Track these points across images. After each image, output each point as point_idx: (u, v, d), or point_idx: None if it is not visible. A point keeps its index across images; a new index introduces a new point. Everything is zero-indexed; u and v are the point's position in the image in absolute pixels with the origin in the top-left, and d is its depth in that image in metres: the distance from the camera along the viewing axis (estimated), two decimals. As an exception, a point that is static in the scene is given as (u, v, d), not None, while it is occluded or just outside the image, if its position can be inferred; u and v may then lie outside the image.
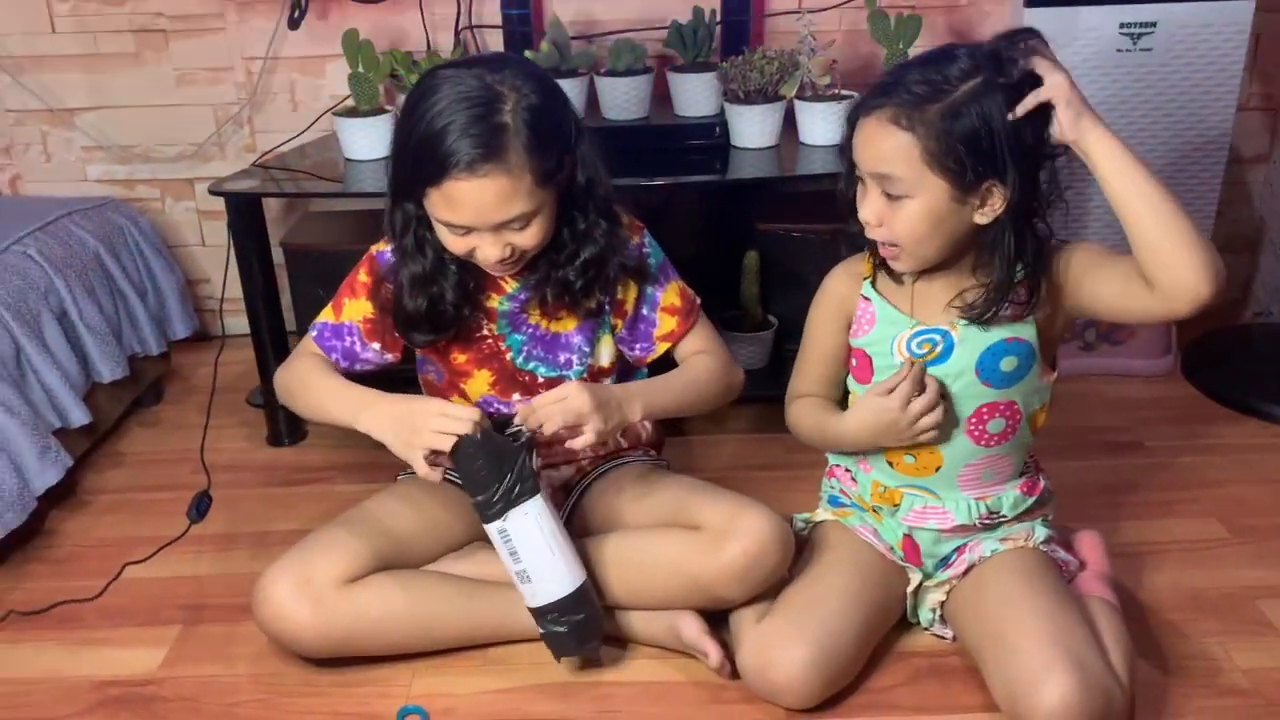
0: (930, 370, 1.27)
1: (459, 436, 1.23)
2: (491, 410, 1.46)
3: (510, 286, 1.39)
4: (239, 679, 1.36)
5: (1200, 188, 1.99)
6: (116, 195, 2.21)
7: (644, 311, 1.44)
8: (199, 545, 1.63)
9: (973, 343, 1.25)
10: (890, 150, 1.15)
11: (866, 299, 1.32)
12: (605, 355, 1.46)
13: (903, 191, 1.16)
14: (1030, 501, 1.35)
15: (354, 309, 1.42)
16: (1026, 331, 1.25)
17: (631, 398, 1.34)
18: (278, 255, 1.90)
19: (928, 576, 1.34)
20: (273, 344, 1.87)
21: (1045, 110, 1.15)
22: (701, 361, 1.44)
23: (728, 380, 1.45)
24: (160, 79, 2.19)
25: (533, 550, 1.25)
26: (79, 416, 1.74)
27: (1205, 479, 1.71)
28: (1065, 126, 1.15)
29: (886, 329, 1.30)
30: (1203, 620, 1.40)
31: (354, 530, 1.35)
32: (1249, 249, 2.30)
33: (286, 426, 1.93)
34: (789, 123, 1.90)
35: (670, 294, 1.44)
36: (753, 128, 1.87)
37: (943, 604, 1.33)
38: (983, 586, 1.27)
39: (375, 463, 1.80)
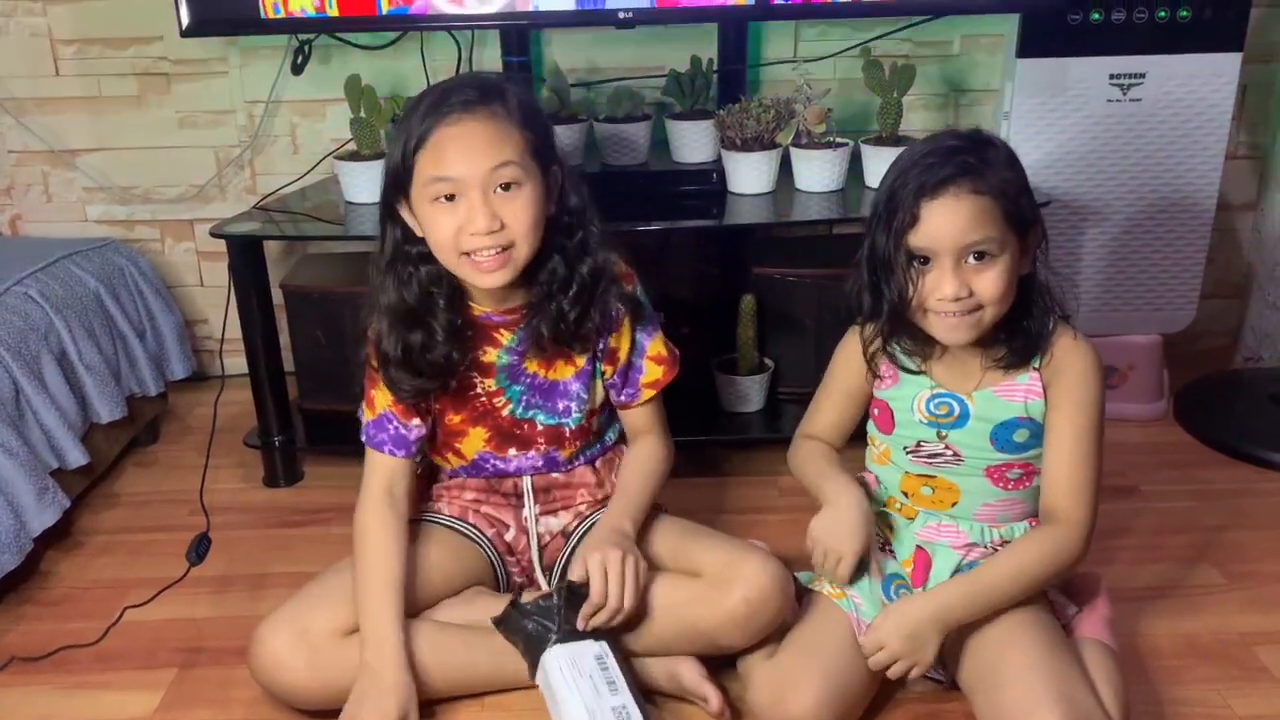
0: (947, 434, 1.31)
1: (499, 615, 1.33)
2: (488, 468, 1.47)
3: (506, 338, 1.40)
4: (235, 724, 1.35)
5: (1190, 235, 2.02)
6: (116, 236, 2.22)
7: (634, 359, 1.45)
8: (195, 588, 1.62)
9: (987, 416, 1.29)
10: (982, 216, 1.20)
11: (890, 356, 1.34)
12: (597, 397, 1.47)
13: (993, 251, 1.21)
14: None
15: (381, 397, 1.41)
16: (1038, 411, 1.28)
17: (631, 528, 1.36)
18: (277, 296, 1.91)
19: None
20: (270, 384, 1.88)
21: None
22: (653, 451, 1.46)
23: (670, 461, 1.48)
24: (162, 121, 2.21)
25: (550, 707, 1.27)
26: (77, 457, 1.74)
27: (1200, 524, 1.72)
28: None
29: (908, 387, 1.33)
30: (1199, 666, 1.40)
31: (351, 580, 1.34)
32: (1238, 295, 2.33)
33: (283, 468, 1.94)
34: (785, 169, 1.93)
35: (657, 344, 1.46)
36: (749, 174, 1.89)
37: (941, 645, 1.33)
38: (980, 626, 1.28)
39: None
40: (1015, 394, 1.28)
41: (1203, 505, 1.78)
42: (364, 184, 1.92)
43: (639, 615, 1.31)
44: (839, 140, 1.90)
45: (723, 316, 1.95)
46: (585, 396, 1.45)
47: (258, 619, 1.32)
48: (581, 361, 1.43)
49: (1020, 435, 1.29)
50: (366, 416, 1.42)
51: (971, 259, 1.21)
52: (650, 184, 1.94)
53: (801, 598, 1.37)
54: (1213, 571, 1.60)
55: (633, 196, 1.87)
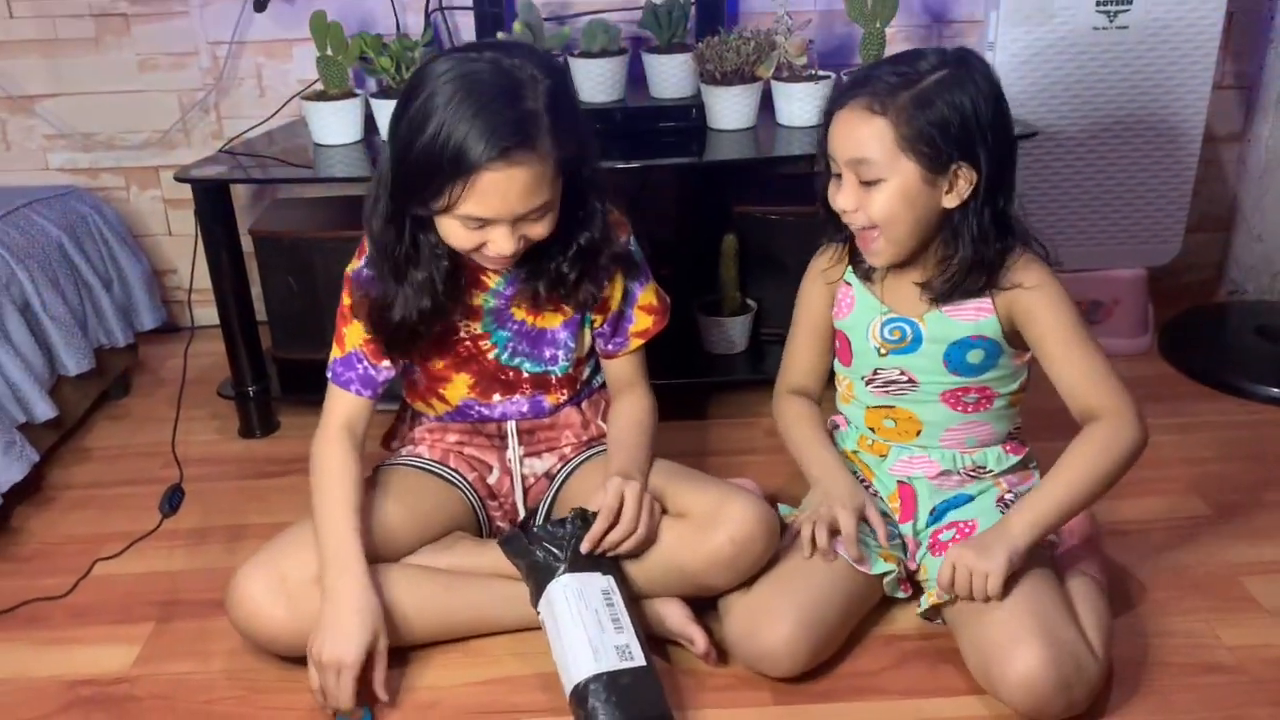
0: (899, 359, 1.33)
1: (508, 535, 1.32)
2: (473, 414, 1.44)
3: (494, 282, 1.36)
4: (214, 676, 1.33)
5: (1176, 166, 2.00)
6: (81, 184, 2.16)
7: (625, 308, 1.43)
8: (171, 540, 1.60)
9: (940, 336, 1.30)
10: (866, 136, 1.20)
11: (848, 284, 1.38)
12: (585, 345, 1.44)
13: (877, 175, 1.21)
14: (1015, 460, 1.37)
15: (352, 335, 1.37)
16: (989, 328, 1.29)
17: (641, 476, 1.33)
18: (246, 244, 1.86)
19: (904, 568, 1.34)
20: (243, 333, 1.83)
21: (1004, 100, 1.22)
22: (642, 404, 1.44)
23: (656, 414, 1.45)
24: (122, 65, 2.14)
25: (551, 636, 1.24)
26: (44, 410, 1.70)
27: (1186, 456, 1.71)
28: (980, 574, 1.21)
29: (863, 314, 1.35)
30: (1187, 598, 1.40)
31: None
32: (1223, 227, 2.31)
33: (259, 418, 1.90)
34: (766, 104, 1.89)
35: (648, 293, 1.44)
36: (729, 109, 1.85)
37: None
38: None
39: None
40: (965, 313, 1.29)
41: (1189, 438, 1.77)
42: (333, 125, 1.87)
43: (642, 549, 1.29)
44: (821, 73, 1.86)
45: (704, 257, 1.92)
46: (573, 345, 1.42)
47: (235, 570, 1.29)
48: (570, 310, 1.40)
49: (974, 355, 1.30)
50: (335, 353, 1.39)
51: (863, 170, 1.22)
52: (628, 121, 1.89)
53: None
54: (1200, 503, 1.59)
55: (610, 134, 1.82)
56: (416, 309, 1.30)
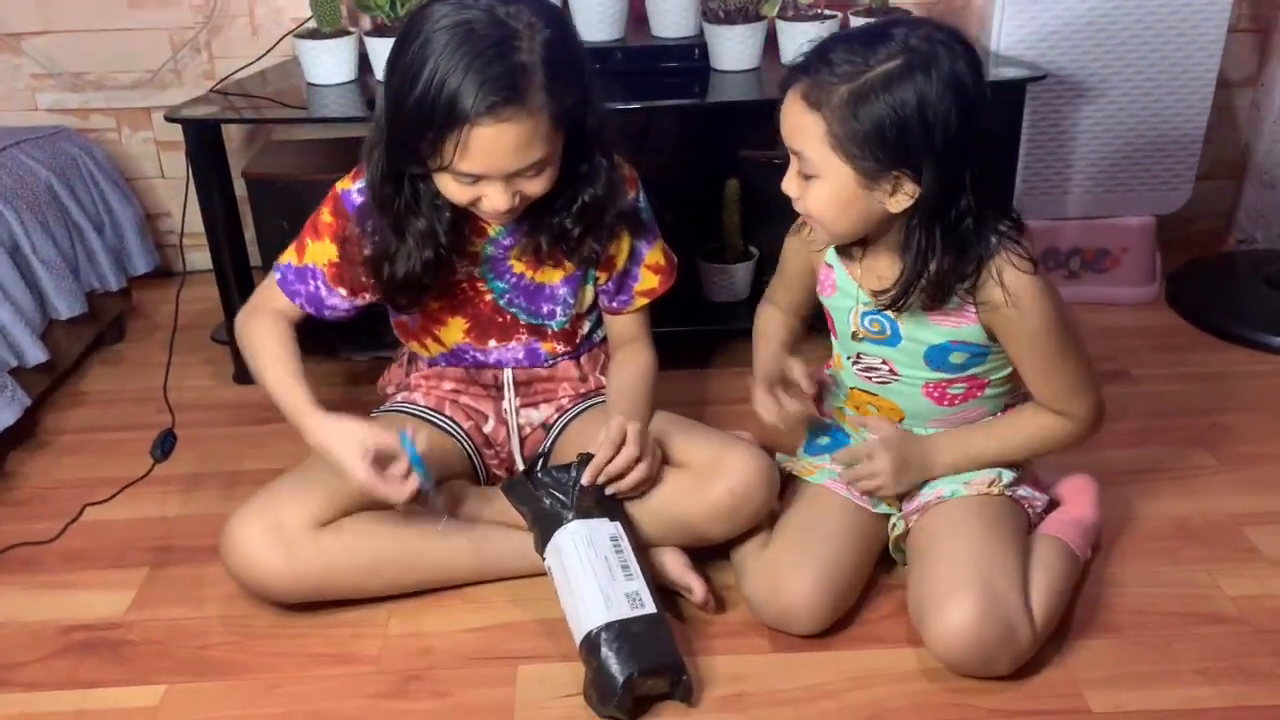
0: (879, 349, 1.27)
1: (512, 480, 1.29)
2: (468, 358, 1.42)
3: (493, 230, 1.33)
4: (209, 621, 1.32)
5: (1189, 111, 1.95)
6: (71, 125, 2.12)
7: (630, 266, 1.40)
8: (165, 486, 1.58)
9: (918, 337, 1.23)
10: (800, 128, 1.11)
11: (829, 265, 1.30)
12: (585, 301, 1.42)
13: (812, 171, 1.12)
14: None
15: (317, 251, 1.34)
16: (971, 335, 1.22)
17: (642, 421, 1.31)
18: (239, 187, 1.82)
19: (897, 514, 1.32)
20: (236, 279, 1.81)
21: (972, 104, 1.08)
22: (643, 359, 1.42)
23: (657, 370, 1.43)
24: (111, 1, 2.09)
25: (559, 584, 1.22)
26: (36, 354, 1.68)
27: (1191, 407, 1.69)
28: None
29: (843, 299, 1.29)
30: (1190, 548, 1.38)
31: (326, 471, 1.28)
32: (1233, 175, 2.27)
33: (254, 363, 1.87)
34: (770, 45, 1.84)
35: (656, 252, 1.41)
36: (733, 49, 1.80)
37: (903, 539, 1.30)
38: (932, 520, 1.25)
39: (350, 399, 1.76)
40: (945, 320, 1.21)
41: (1194, 388, 1.75)
42: (326, 64, 1.82)
43: (644, 487, 1.27)
44: (827, 12, 1.81)
45: (706, 202, 1.88)
46: (572, 301, 1.40)
47: (230, 516, 1.28)
48: (572, 266, 1.37)
49: (956, 357, 1.24)
50: (290, 258, 1.36)
51: (801, 162, 1.13)
52: (628, 61, 1.84)
53: (786, 487, 1.34)
54: (1204, 454, 1.58)
55: (609, 74, 1.77)
56: (420, 260, 1.27)
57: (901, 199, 1.11)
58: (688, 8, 1.85)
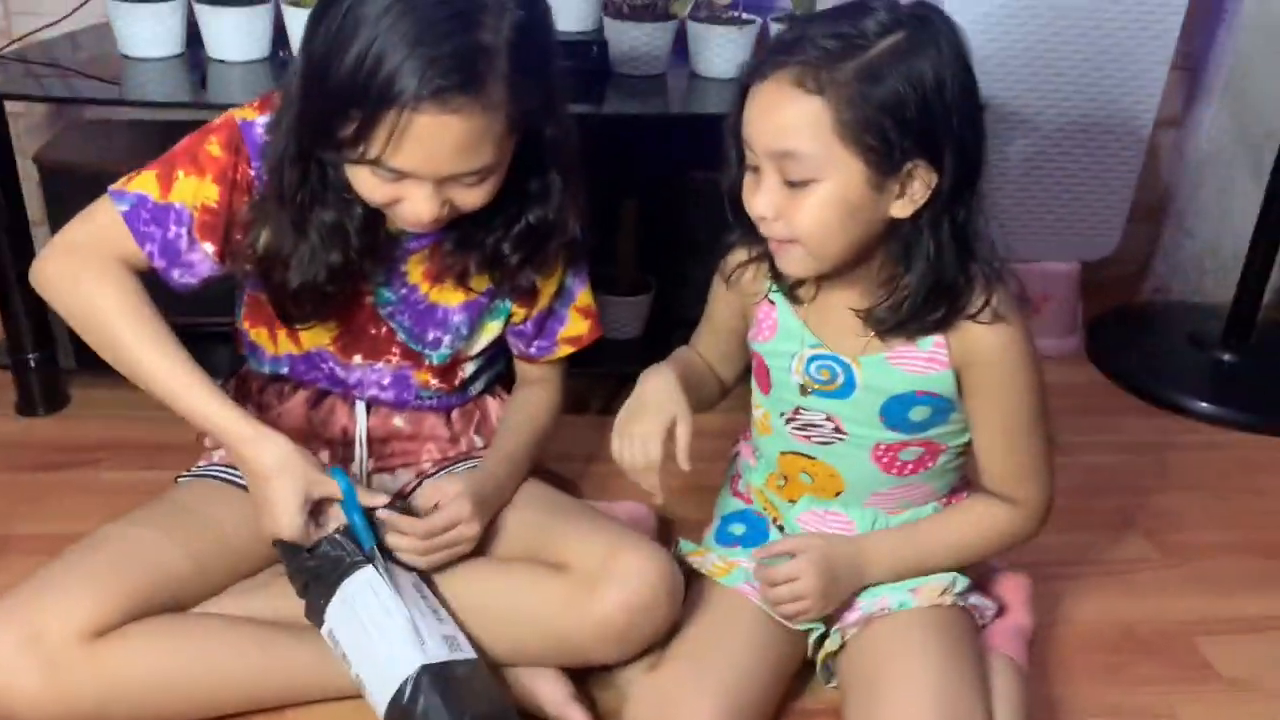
0: (825, 403, 1.06)
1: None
2: (321, 370, 1.17)
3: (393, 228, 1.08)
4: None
5: (1123, 153, 1.81)
6: None
7: (557, 307, 1.17)
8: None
9: (877, 386, 1.04)
10: (795, 119, 0.91)
11: (771, 302, 1.09)
12: (481, 343, 1.18)
13: (808, 174, 0.93)
14: None
15: (192, 189, 1.03)
16: (941, 385, 1.03)
17: (496, 498, 1.12)
18: (30, 172, 1.50)
19: (828, 623, 1.11)
20: (21, 287, 1.47)
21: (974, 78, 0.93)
22: (550, 404, 1.23)
23: (557, 412, 1.25)
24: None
25: (349, 645, 0.99)
26: None
27: (1126, 484, 1.54)
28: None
29: (786, 343, 1.08)
30: (1141, 663, 1.23)
31: (105, 562, 1.02)
32: (1152, 218, 2.14)
33: (41, 392, 1.54)
34: (679, 47, 1.62)
35: (588, 294, 1.19)
36: (637, 50, 1.58)
37: (835, 655, 1.10)
38: (879, 639, 1.06)
39: (162, 444, 1.39)
40: (913, 362, 1.02)
41: (1126, 460, 1.60)
42: (146, 34, 1.51)
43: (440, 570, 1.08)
44: (745, 16, 1.60)
45: (599, 223, 1.63)
46: (465, 334, 1.15)
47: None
48: (478, 290, 1.13)
49: (918, 413, 1.04)
50: (147, 188, 1.03)
51: (789, 166, 0.93)
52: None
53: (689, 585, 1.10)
54: (1144, 543, 1.43)
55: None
56: (325, 265, 1.02)
57: (910, 198, 0.94)
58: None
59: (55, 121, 1.80)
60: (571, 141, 1.07)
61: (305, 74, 0.95)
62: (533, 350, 1.20)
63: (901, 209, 0.94)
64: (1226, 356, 1.84)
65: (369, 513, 1.04)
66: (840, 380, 1.05)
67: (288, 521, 1.01)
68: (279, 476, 1.00)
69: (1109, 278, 2.16)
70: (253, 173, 1.04)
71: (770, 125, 0.93)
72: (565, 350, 1.21)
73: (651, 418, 1.03)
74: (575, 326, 1.20)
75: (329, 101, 0.93)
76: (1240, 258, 1.85)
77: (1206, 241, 2.06)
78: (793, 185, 0.93)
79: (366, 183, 0.97)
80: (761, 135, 0.93)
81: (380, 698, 0.98)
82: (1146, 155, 2.05)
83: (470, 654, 1.01)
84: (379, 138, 0.92)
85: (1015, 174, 1.80)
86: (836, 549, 1.06)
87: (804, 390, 1.07)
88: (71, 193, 1.49)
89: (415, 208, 0.97)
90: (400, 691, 0.96)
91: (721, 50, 1.58)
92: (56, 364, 1.54)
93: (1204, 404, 1.72)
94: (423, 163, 0.94)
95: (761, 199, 0.95)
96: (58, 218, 1.52)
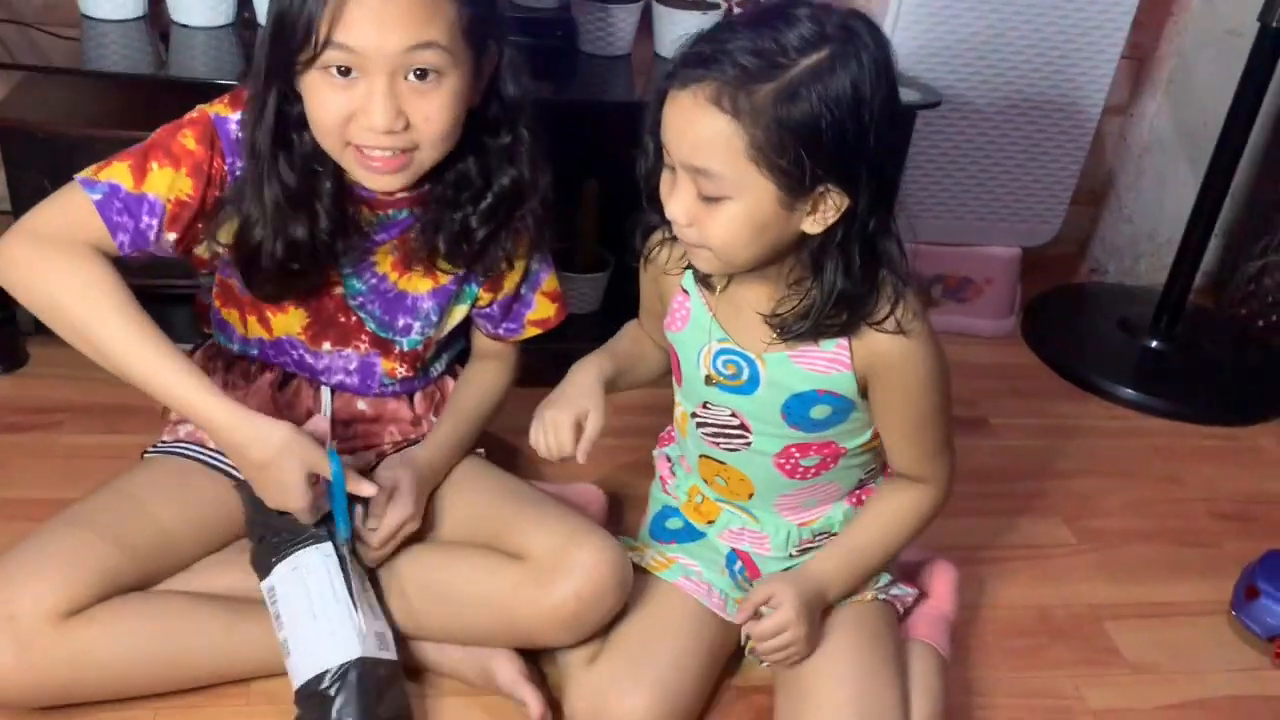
0: (730, 398, 1.10)
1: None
2: (290, 356, 1.19)
3: (369, 218, 1.12)
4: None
5: (1068, 143, 1.87)
6: None
7: (524, 291, 1.21)
8: None
9: (780, 383, 1.06)
10: (709, 138, 0.91)
11: (685, 291, 1.12)
12: (448, 327, 1.22)
13: (720, 192, 0.93)
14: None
15: (166, 181, 1.03)
16: (843, 385, 1.05)
17: (443, 467, 1.19)
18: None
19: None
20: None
21: (895, 95, 0.94)
22: (501, 381, 1.28)
23: (508, 389, 1.29)
24: None
25: (290, 609, 1.04)
26: None
27: (1052, 468, 1.63)
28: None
29: (694, 335, 1.11)
30: (1053, 647, 1.31)
31: (76, 540, 1.05)
32: (1094, 202, 2.22)
33: (1, 350, 1.55)
34: (644, 29, 1.63)
35: (554, 278, 1.23)
36: (603, 30, 1.59)
37: None
38: None
39: (124, 406, 1.40)
40: (815, 362, 1.04)
41: (1052, 445, 1.68)
42: (109, -5, 1.49)
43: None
44: (710, 1, 1.61)
45: (560, 201, 1.66)
46: (435, 320, 1.19)
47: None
48: (445, 277, 1.16)
49: (819, 411, 1.07)
50: (120, 177, 1.03)
51: (702, 182, 0.93)
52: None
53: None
54: (1064, 528, 1.51)
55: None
56: (293, 237, 1.04)
57: (822, 217, 0.94)
58: (555, -24, 1.61)
59: (8, 76, 1.77)
60: (533, 107, 1.10)
61: (272, 11, 0.98)
62: (501, 330, 1.24)
63: (812, 226, 0.95)
64: (1154, 343, 1.92)
65: (351, 500, 1.07)
66: (745, 376, 1.08)
67: (297, 496, 1.03)
68: (285, 457, 1.02)
69: (1048, 258, 2.23)
70: (226, 167, 1.06)
71: (686, 140, 0.92)
72: (533, 331, 1.25)
73: (567, 409, 1.09)
74: (542, 310, 1.24)
75: (290, 8, 0.95)
76: (1175, 243, 1.93)
77: (1143, 227, 2.14)
78: (706, 199, 0.94)
79: (322, 99, 0.98)
80: (678, 148, 0.94)
81: (301, 671, 1.03)
82: (1095, 139, 2.12)
83: (394, 655, 1.06)
84: (326, 15, 0.94)
85: (965, 160, 1.85)
86: (802, 587, 1.09)
87: (709, 380, 1.10)
88: (28, 152, 1.50)
89: (370, 116, 0.97)
90: (321, 676, 1.01)
91: (687, 34, 1.59)
92: (14, 322, 1.55)
93: (1129, 390, 1.80)
94: (374, 31, 0.94)
95: (676, 205, 0.96)
96: (16, 177, 1.52)
